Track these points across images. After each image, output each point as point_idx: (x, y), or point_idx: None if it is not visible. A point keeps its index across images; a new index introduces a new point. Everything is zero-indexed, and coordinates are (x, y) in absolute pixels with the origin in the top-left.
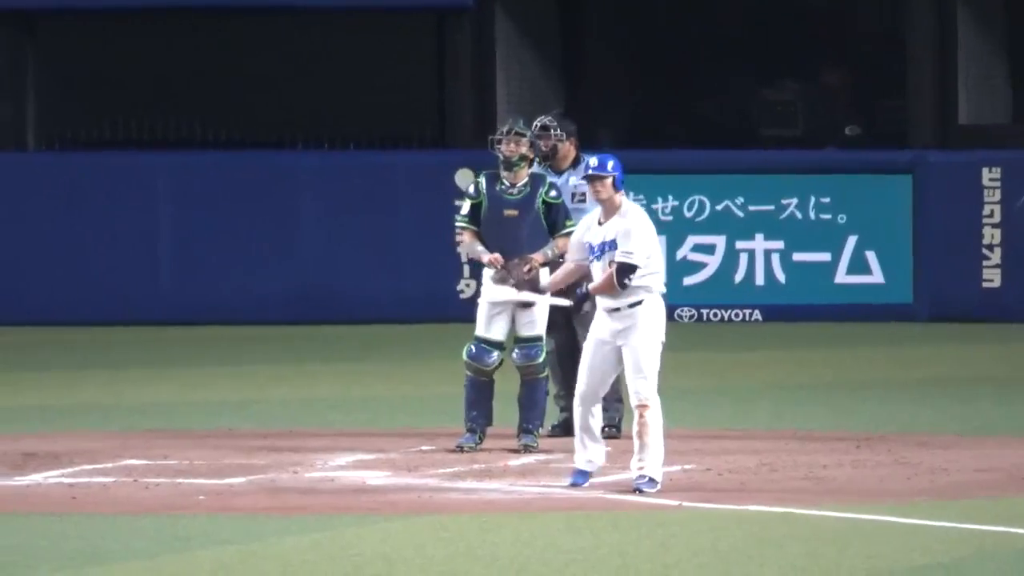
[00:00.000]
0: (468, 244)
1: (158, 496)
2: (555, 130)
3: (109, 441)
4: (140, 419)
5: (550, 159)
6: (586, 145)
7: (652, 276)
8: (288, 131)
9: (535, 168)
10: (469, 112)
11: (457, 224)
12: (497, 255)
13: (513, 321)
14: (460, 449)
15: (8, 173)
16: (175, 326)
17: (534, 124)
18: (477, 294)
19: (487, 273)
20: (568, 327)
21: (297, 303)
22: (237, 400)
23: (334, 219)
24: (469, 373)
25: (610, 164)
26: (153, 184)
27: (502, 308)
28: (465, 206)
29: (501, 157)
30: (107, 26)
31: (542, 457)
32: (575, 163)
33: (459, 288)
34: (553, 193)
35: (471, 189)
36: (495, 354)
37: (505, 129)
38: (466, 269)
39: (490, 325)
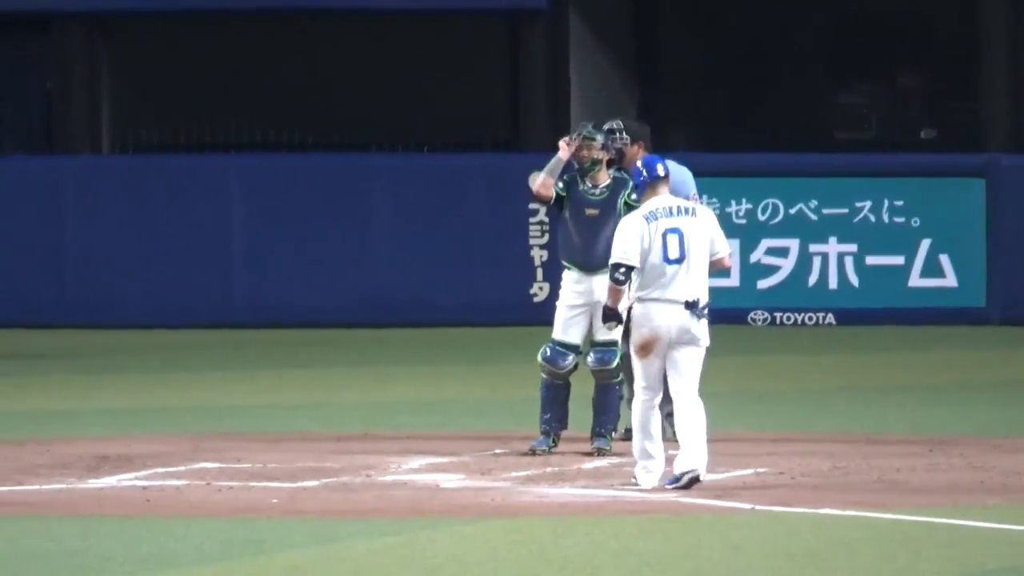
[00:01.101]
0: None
1: (231, 499)
2: (621, 133)
3: (182, 444)
4: (213, 422)
5: (618, 162)
6: (659, 148)
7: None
8: (362, 134)
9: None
10: (543, 115)
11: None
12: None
13: (590, 325)
14: (533, 452)
15: (83, 175)
16: (248, 329)
17: (608, 126)
18: (551, 297)
19: (567, 277)
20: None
21: (370, 306)
22: (310, 403)
23: (407, 222)
24: (544, 376)
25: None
26: (226, 186)
27: (580, 311)
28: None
29: (575, 162)
30: (182, 29)
31: (615, 460)
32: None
33: (532, 291)
34: (635, 196)
35: (559, 184)
36: (570, 357)
37: (576, 133)
38: (539, 272)
39: (567, 328)
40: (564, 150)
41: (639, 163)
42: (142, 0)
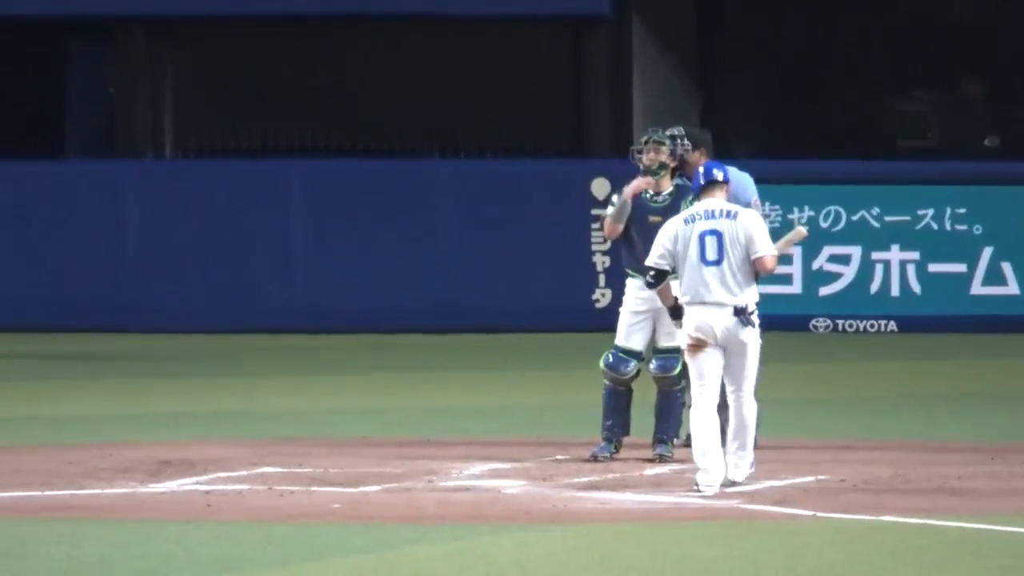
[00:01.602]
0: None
1: (293, 504)
2: (682, 140)
3: (244, 449)
4: (275, 427)
5: (681, 169)
6: (721, 155)
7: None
8: (425, 140)
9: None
10: (606, 121)
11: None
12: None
13: (653, 331)
14: (595, 458)
15: (145, 179)
16: (310, 334)
17: (670, 132)
18: (614, 303)
19: (630, 284)
20: None
21: (432, 312)
22: (372, 408)
23: (470, 228)
24: (607, 382)
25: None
26: (289, 192)
27: (643, 318)
28: (610, 210)
29: (641, 167)
30: (245, 34)
31: (676, 467)
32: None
33: (594, 297)
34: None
35: (615, 197)
36: (632, 363)
37: (644, 138)
38: (602, 279)
39: (630, 335)
40: (630, 188)
41: (700, 169)
42: (206, 5)
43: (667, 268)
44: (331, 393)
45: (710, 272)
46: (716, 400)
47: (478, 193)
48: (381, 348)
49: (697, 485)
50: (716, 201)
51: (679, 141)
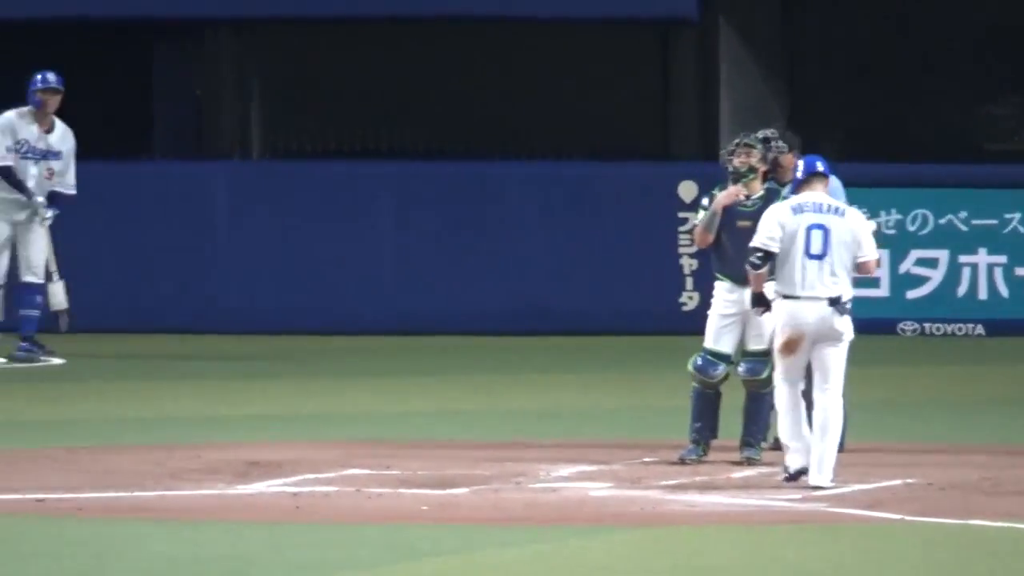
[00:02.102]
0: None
1: (381, 506)
2: (776, 142)
3: (332, 450)
4: (364, 429)
5: (773, 171)
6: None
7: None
8: (511, 142)
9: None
10: (693, 124)
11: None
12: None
13: (742, 334)
14: (682, 461)
15: (232, 180)
16: (397, 336)
17: (761, 135)
18: (701, 306)
19: (719, 287)
20: None
21: (518, 315)
22: (461, 410)
23: (556, 230)
24: (695, 385)
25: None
26: (375, 194)
27: (732, 321)
28: (700, 214)
29: (731, 169)
30: (332, 35)
31: (764, 470)
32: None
33: (681, 300)
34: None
35: (705, 201)
36: (721, 367)
37: (736, 141)
38: (689, 282)
39: (719, 338)
40: (722, 198)
41: (801, 161)
42: (293, 7)
43: (775, 250)
44: (419, 395)
45: (813, 266)
46: (801, 385)
47: (565, 196)
48: (469, 350)
49: (785, 466)
50: (821, 195)
51: (773, 143)
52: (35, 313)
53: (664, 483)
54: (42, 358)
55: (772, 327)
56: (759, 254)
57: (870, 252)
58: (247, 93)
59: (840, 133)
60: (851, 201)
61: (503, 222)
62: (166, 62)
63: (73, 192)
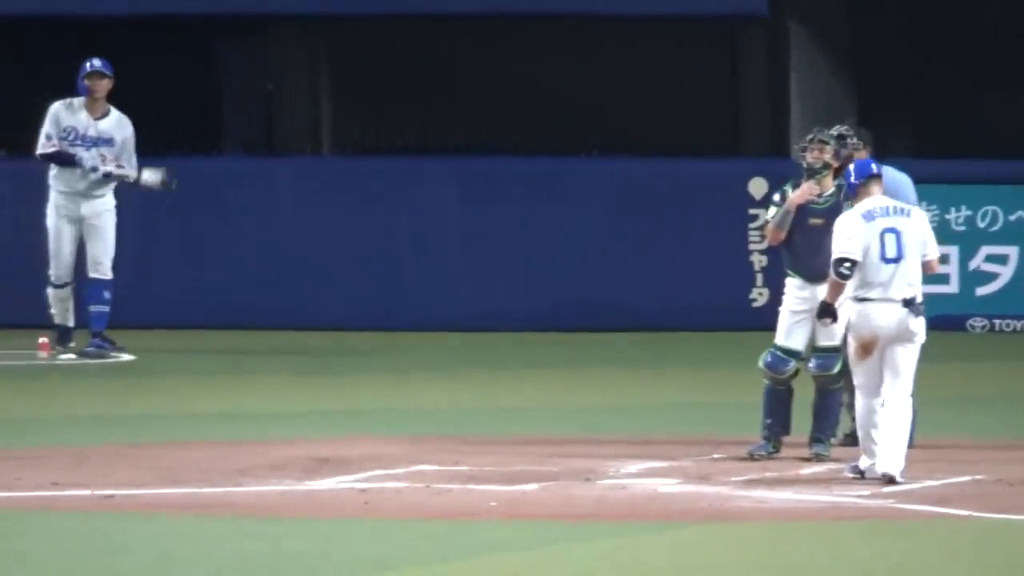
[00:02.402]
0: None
1: (450, 502)
2: (851, 139)
3: (402, 446)
4: (433, 425)
5: (846, 168)
6: (879, 154)
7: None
8: (581, 138)
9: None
10: (762, 120)
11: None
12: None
13: (813, 331)
14: (752, 457)
15: (301, 176)
16: (466, 332)
17: (835, 132)
18: (771, 303)
19: (790, 283)
20: None
21: (588, 310)
22: (530, 406)
23: (626, 226)
24: (766, 381)
25: (850, 167)
26: (445, 189)
27: (803, 317)
28: (771, 211)
29: (805, 165)
30: (401, 31)
31: (833, 466)
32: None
33: (751, 296)
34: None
35: (777, 197)
36: (791, 363)
37: (809, 137)
38: (759, 278)
39: (790, 334)
40: (796, 196)
41: (852, 167)
42: (362, 3)
43: (859, 259)
44: (489, 391)
45: (888, 270)
46: (880, 396)
47: (634, 192)
48: (538, 346)
49: (858, 466)
50: (883, 197)
51: (848, 140)
52: (104, 309)
53: (733, 479)
54: (112, 354)
55: (843, 325)
56: (847, 264)
57: (933, 251)
58: (317, 89)
59: (909, 129)
60: (921, 198)
61: (572, 218)
62: (236, 59)
63: (130, 174)
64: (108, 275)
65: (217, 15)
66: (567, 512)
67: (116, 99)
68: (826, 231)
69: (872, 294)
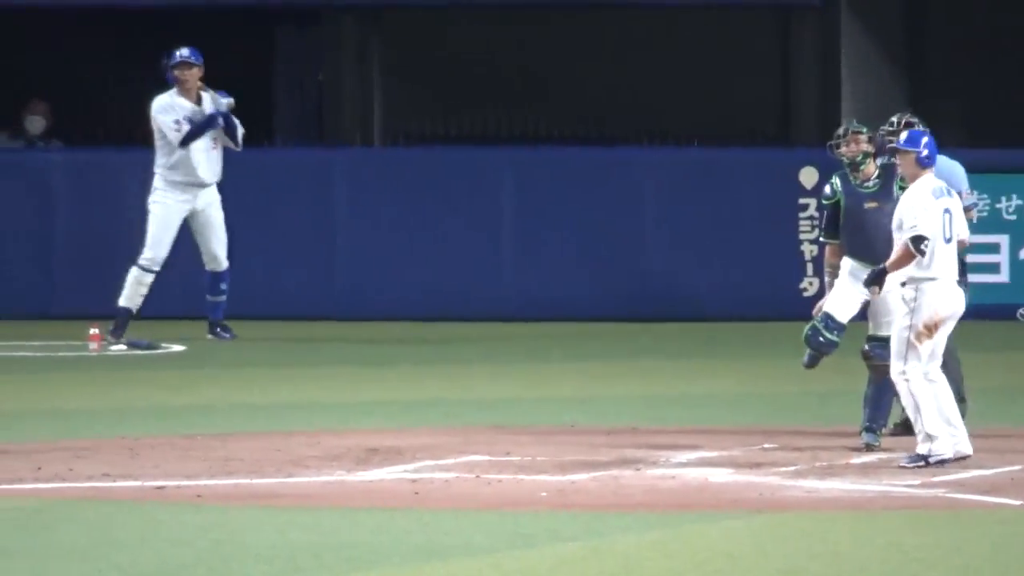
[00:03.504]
0: (826, 261)
1: (500, 492)
2: (917, 125)
3: (452, 437)
4: (484, 415)
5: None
6: None
7: (929, 262)
8: (632, 127)
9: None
10: (813, 110)
11: (820, 239)
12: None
13: (869, 317)
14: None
15: (353, 167)
16: (518, 322)
17: (893, 120)
18: (822, 292)
19: (847, 262)
20: None
21: (638, 300)
22: (580, 396)
23: (676, 215)
24: (810, 352)
25: (923, 140)
26: (497, 179)
27: (857, 294)
28: (823, 215)
29: (845, 160)
30: (453, 21)
31: (884, 456)
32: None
33: (802, 286)
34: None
35: (827, 190)
36: (836, 334)
37: (841, 131)
38: (809, 267)
39: (841, 306)
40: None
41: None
42: None
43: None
44: (539, 381)
45: (948, 249)
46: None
47: (686, 181)
48: (589, 336)
49: (931, 457)
50: (936, 179)
51: (917, 124)
52: (221, 299)
53: (783, 469)
54: (226, 336)
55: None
56: (926, 242)
57: (966, 232)
58: (368, 79)
59: (961, 119)
60: (973, 186)
61: (623, 207)
62: (288, 49)
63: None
64: (222, 267)
65: (270, 5)
66: (617, 502)
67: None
68: (882, 212)
69: (939, 273)
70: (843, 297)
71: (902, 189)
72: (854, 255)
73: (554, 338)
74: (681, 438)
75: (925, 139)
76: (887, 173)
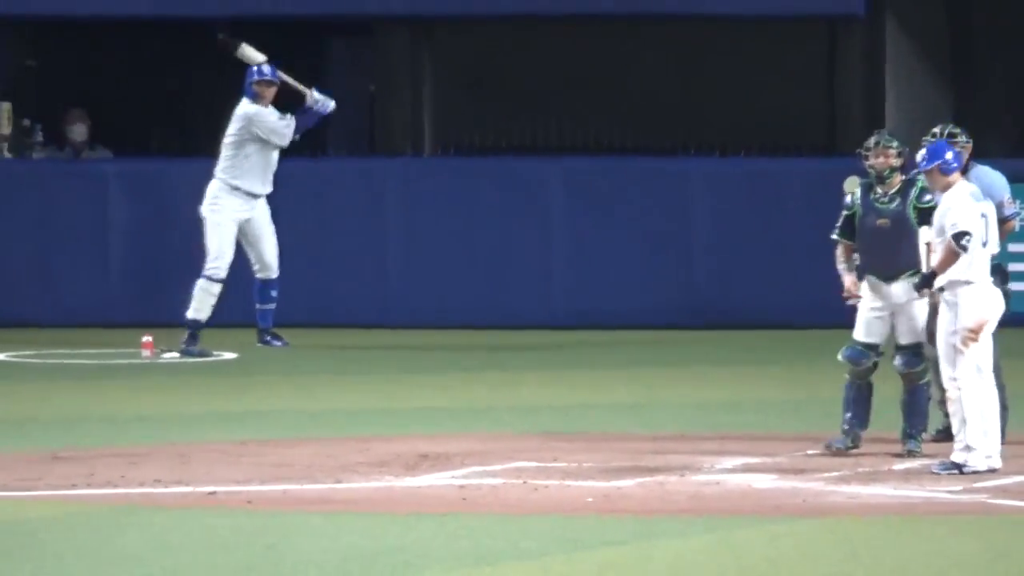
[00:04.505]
0: (837, 258)
1: (547, 497)
2: (963, 137)
3: (500, 443)
4: (532, 421)
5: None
6: (976, 154)
7: (967, 266)
8: (680, 137)
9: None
10: (859, 119)
11: (833, 237)
12: (850, 287)
13: (893, 328)
14: (829, 449)
15: (404, 177)
16: (567, 330)
17: (939, 131)
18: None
19: (865, 282)
20: None
21: (687, 308)
22: (628, 403)
23: (725, 224)
24: (847, 375)
25: (943, 152)
26: (547, 190)
27: (881, 314)
28: (841, 218)
29: (873, 171)
30: (503, 32)
31: (926, 462)
32: (964, 171)
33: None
34: (927, 198)
35: (847, 198)
36: (871, 356)
37: (872, 142)
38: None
39: (869, 330)
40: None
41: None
42: (464, 4)
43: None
44: (586, 388)
45: (986, 254)
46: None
47: (734, 191)
48: (637, 344)
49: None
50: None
51: (959, 137)
52: (270, 307)
53: (827, 475)
54: (277, 343)
55: (924, 320)
56: (969, 236)
57: (995, 242)
58: (419, 90)
59: (1006, 128)
60: (1015, 196)
61: (673, 217)
62: (340, 59)
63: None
64: (274, 275)
65: (322, 16)
66: (662, 507)
67: (226, 98)
68: (892, 231)
69: (976, 277)
70: (867, 320)
71: (917, 209)
72: (865, 268)
73: (603, 346)
74: (726, 444)
75: (946, 152)
76: (905, 188)
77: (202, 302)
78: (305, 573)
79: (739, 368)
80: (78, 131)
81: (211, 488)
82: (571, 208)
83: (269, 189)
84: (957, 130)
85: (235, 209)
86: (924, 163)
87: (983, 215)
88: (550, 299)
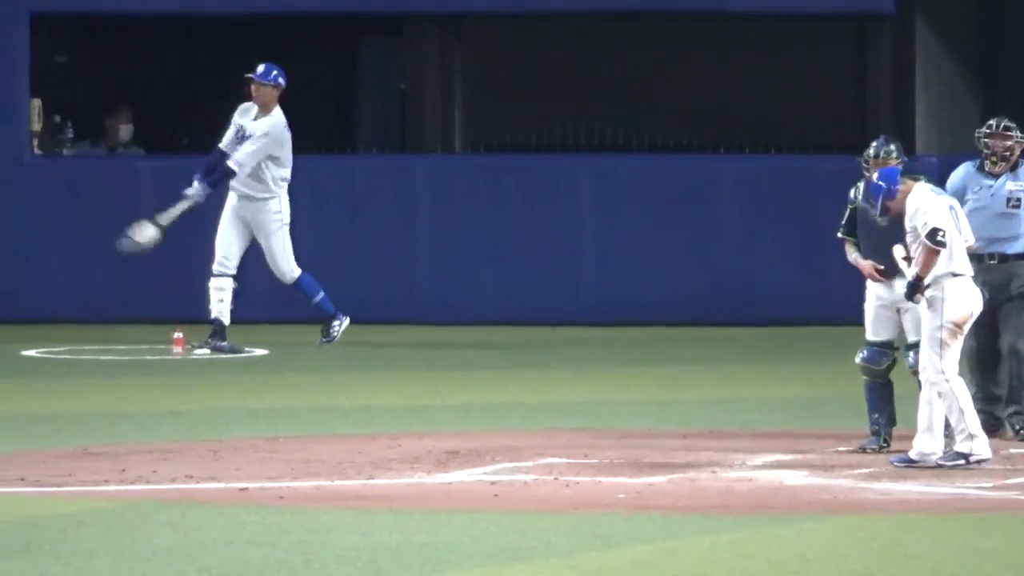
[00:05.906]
0: (847, 252)
1: (578, 494)
2: (1018, 132)
3: (531, 439)
4: (562, 418)
5: (1006, 160)
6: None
7: (948, 259)
8: (709, 135)
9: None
10: (888, 118)
11: (839, 236)
12: (870, 270)
13: (901, 323)
14: (863, 450)
15: (435, 174)
16: (597, 327)
17: (994, 124)
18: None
19: (869, 282)
20: (990, 327)
21: (716, 305)
22: (658, 400)
23: (754, 222)
24: (865, 377)
25: (884, 174)
26: (577, 187)
27: (887, 311)
28: (845, 214)
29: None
30: (533, 29)
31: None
32: (1014, 167)
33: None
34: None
35: (851, 193)
36: (888, 355)
37: (872, 152)
38: None
39: (877, 328)
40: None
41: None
42: (495, 2)
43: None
44: (617, 384)
45: (961, 243)
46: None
47: (763, 189)
48: (668, 341)
49: (971, 456)
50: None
51: (1015, 132)
52: (316, 301)
53: (858, 471)
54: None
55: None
56: (942, 233)
57: (970, 234)
58: (450, 87)
59: None
60: None
61: (702, 215)
62: (372, 57)
63: (233, 168)
64: (291, 277)
65: (353, 13)
66: (693, 504)
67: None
68: (890, 229)
69: (960, 269)
70: (873, 316)
71: None
72: (866, 257)
73: (633, 342)
74: (757, 441)
75: (886, 185)
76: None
77: (212, 299)
78: (336, 569)
79: (768, 365)
80: (126, 130)
81: (243, 484)
82: (600, 205)
83: (242, 188)
84: (1012, 125)
85: (231, 204)
86: (882, 213)
87: (951, 207)
88: (579, 296)
